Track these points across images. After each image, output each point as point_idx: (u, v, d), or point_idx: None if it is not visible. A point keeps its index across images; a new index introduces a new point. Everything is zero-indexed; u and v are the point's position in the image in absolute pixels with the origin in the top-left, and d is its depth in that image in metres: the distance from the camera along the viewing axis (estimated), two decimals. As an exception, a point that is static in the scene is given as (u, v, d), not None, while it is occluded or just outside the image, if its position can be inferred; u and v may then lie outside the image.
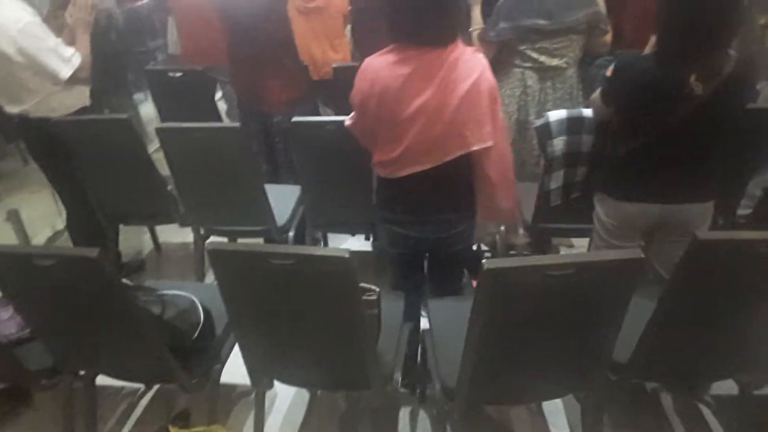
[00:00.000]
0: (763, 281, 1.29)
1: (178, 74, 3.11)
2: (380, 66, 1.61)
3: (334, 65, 3.10)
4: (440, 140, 1.61)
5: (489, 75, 1.62)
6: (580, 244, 2.79)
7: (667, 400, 2.07)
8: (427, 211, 1.76)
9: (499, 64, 2.46)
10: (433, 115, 1.58)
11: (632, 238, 1.85)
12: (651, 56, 1.65)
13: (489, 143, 1.62)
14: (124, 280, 1.56)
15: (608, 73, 1.75)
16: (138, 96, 4.72)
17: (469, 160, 1.68)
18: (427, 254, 1.95)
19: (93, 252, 1.36)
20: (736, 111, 1.66)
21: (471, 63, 1.59)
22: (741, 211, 2.36)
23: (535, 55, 2.42)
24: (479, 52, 1.64)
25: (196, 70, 3.14)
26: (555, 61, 2.43)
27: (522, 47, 2.42)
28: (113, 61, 3.71)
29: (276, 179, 2.84)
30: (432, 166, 1.65)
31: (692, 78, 1.53)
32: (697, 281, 1.38)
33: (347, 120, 1.78)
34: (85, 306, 1.50)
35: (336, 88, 3.05)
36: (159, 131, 2.23)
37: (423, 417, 2.03)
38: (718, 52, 1.54)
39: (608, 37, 2.50)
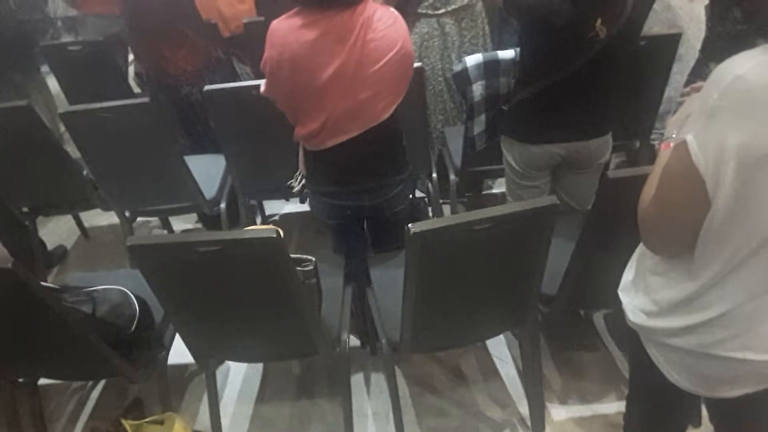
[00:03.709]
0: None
1: (78, 47, 2.87)
2: (287, 31, 1.52)
3: (244, 20, 2.94)
4: (365, 104, 1.56)
5: (408, 40, 1.57)
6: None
7: (599, 319, 2.22)
8: (360, 179, 1.73)
9: (410, 16, 2.41)
10: (352, 80, 1.52)
11: (541, 176, 1.92)
12: None
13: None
14: (47, 284, 1.49)
15: None
16: (46, 68, 4.34)
17: (395, 117, 1.65)
18: (362, 220, 1.94)
19: (7, 263, 1.29)
20: (633, 48, 1.71)
21: (389, 23, 1.52)
22: (655, 136, 2.48)
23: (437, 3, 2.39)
24: (390, 8, 1.58)
25: (97, 41, 2.91)
26: (458, 2, 2.40)
27: None
28: (9, 35, 3.37)
29: (199, 152, 2.73)
30: (359, 133, 1.60)
31: (598, 22, 1.55)
32: (611, 215, 1.45)
33: (261, 87, 1.70)
34: (9, 317, 1.44)
35: (250, 45, 2.92)
36: (63, 116, 2.09)
37: (376, 366, 2.11)
38: None
39: None
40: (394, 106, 1.60)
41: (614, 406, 1.90)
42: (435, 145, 2.67)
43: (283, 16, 1.55)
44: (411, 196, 1.91)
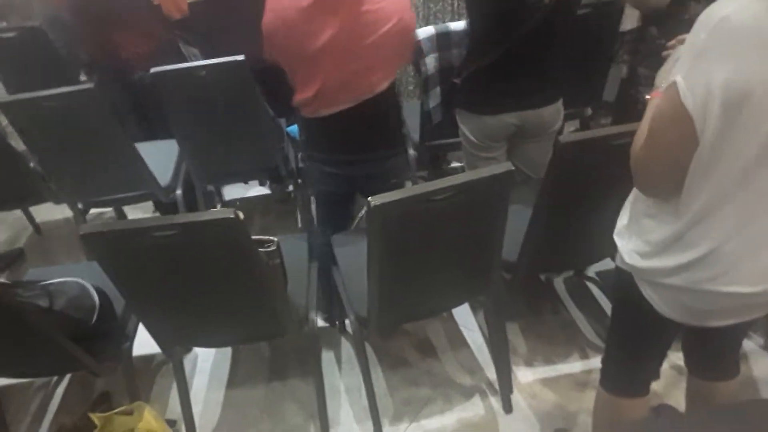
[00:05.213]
0: (618, 168, 1.44)
1: (12, 34, 2.73)
2: None
3: (189, 1, 2.85)
4: (359, 76, 1.55)
5: (409, 13, 1.55)
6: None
7: (559, 284, 2.29)
8: (355, 149, 1.72)
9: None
10: (345, 51, 1.50)
11: (498, 147, 1.95)
12: None
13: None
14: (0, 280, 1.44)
15: None
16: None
17: (393, 89, 1.64)
18: (355, 192, 1.92)
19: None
20: (574, 13, 1.74)
21: None
22: (607, 98, 2.54)
23: None
24: None
25: (33, 27, 2.77)
26: None
27: None
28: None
29: (154, 139, 2.65)
30: (352, 105, 1.59)
31: None
32: (565, 179, 1.49)
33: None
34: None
35: (196, 26, 2.83)
36: (3, 106, 2.00)
37: (346, 343, 2.12)
38: None
39: None
40: (391, 80, 1.60)
41: (578, 365, 1.97)
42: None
43: None
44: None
